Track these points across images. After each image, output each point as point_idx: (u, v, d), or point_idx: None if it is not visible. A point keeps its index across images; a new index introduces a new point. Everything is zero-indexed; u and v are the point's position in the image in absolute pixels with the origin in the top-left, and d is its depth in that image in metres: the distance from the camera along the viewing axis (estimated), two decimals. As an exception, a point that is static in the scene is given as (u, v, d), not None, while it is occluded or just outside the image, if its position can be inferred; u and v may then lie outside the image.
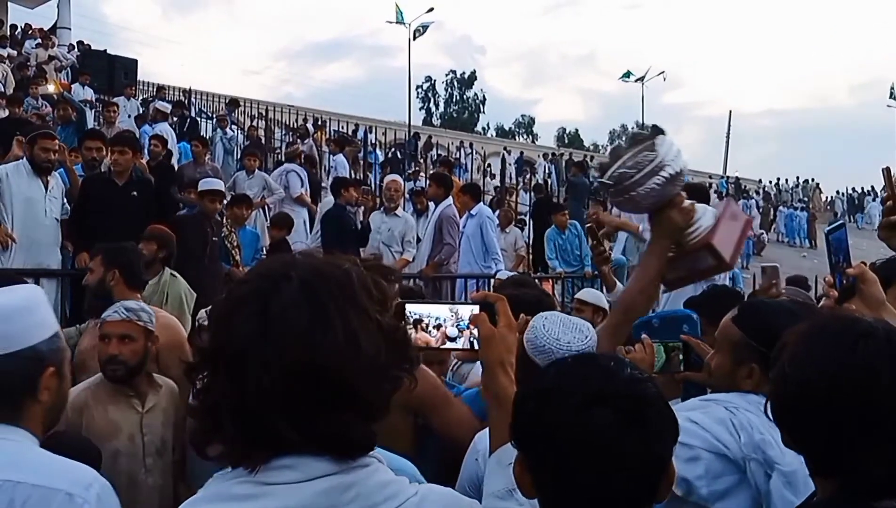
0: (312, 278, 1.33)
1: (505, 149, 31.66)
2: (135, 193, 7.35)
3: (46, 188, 7.10)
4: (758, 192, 39.41)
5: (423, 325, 1.75)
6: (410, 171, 18.79)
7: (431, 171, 15.24)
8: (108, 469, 3.31)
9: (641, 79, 48.75)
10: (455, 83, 79.90)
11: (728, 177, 40.72)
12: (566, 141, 75.63)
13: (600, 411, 1.42)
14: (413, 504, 1.35)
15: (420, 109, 73.75)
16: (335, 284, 1.33)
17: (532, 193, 16.89)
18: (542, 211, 13.84)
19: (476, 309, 1.76)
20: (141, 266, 4.97)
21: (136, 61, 19.82)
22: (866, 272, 2.22)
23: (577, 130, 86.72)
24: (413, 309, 1.76)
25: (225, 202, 8.70)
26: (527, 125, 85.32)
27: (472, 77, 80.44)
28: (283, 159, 14.63)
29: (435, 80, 78.66)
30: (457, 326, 1.76)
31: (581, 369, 1.53)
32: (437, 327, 1.76)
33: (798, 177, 40.96)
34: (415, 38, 40.02)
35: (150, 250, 5.93)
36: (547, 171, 27.29)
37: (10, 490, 1.78)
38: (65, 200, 7.37)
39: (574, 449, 1.42)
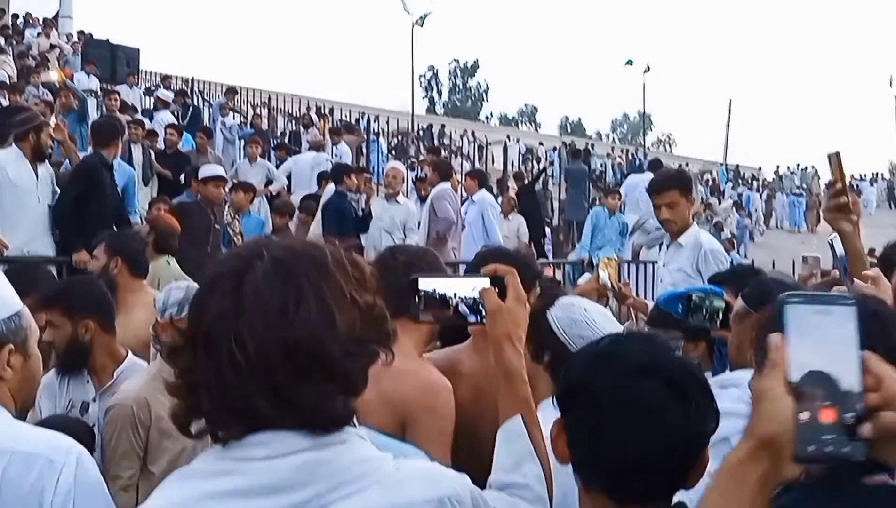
0: (285, 256, 1.34)
1: (508, 137, 31.55)
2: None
3: (37, 175, 6.95)
4: (756, 178, 39.26)
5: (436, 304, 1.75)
6: (414, 160, 18.73)
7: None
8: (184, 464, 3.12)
9: (645, 69, 48.46)
10: (458, 72, 79.76)
11: (728, 165, 40.59)
12: (569, 129, 75.51)
13: (651, 380, 1.47)
14: (391, 479, 1.33)
15: (423, 98, 73.68)
16: (309, 261, 1.34)
17: (514, 181, 16.65)
18: (524, 199, 13.78)
19: (487, 282, 1.75)
20: (146, 254, 4.94)
21: (138, 50, 19.76)
22: (880, 278, 2.25)
23: (579, 119, 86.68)
24: (426, 285, 1.75)
25: (227, 189, 8.73)
26: (530, 114, 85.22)
27: (476, 66, 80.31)
28: (301, 149, 14.66)
29: (438, 70, 78.57)
30: (467, 304, 1.76)
31: (635, 340, 1.59)
32: (449, 306, 1.76)
33: (798, 165, 40.78)
34: (421, 25, 39.86)
35: (143, 234, 5.97)
36: (549, 159, 27.19)
37: None
38: (55, 186, 7.21)
39: (620, 414, 1.45)
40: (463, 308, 1.76)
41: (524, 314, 1.77)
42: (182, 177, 10.28)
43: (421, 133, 28.58)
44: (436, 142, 26.54)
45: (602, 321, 2.52)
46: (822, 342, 1.10)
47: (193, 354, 1.32)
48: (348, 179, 9.73)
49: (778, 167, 41.31)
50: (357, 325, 1.33)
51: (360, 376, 1.35)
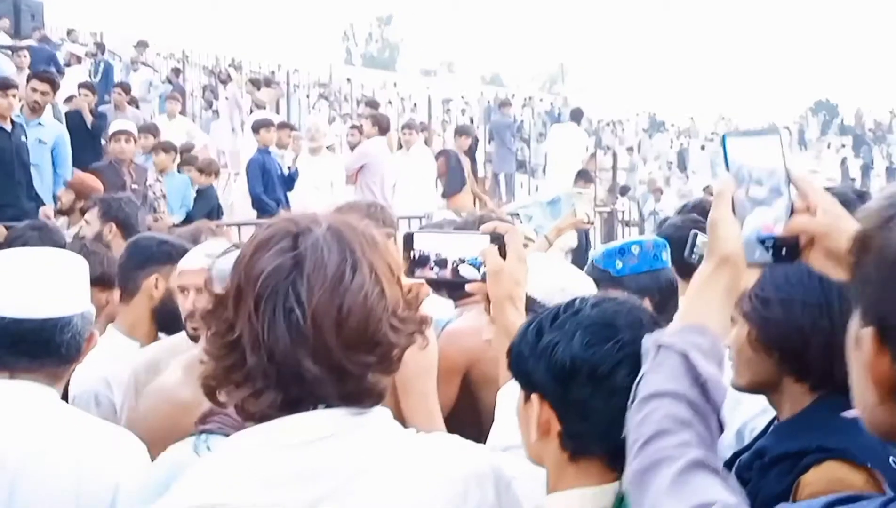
0: (341, 225, 1.34)
1: (428, 88, 31.36)
2: (24, 138, 7.03)
3: None
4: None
5: (437, 264, 1.73)
6: (346, 113, 18.49)
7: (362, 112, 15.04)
8: None
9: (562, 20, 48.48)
10: (376, 22, 78.82)
11: (649, 114, 41.10)
12: (488, 80, 75.48)
13: None
14: (416, 460, 1.34)
15: (343, 45, 72.66)
16: (361, 233, 1.35)
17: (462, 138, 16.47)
18: (472, 153, 13.73)
19: (486, 240, 1.72)
20: (139, 219, 4.71)
21: (42, 3, 18.96)
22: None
23: (498, 72, 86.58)
24: (421, 242, 1.74)
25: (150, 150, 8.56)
26: (449, 64, 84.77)
27: (392, 16, 79.43)
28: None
29: (354, 20, 77.48)
30: (473, 265, 1.73)
31: (612, 306, 1.48)
32: (445, 264, 1.73)
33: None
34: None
35: (69, 200, 5.88)
36: (470, 113, 27.14)
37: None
38: None
39: (620, 386, 1.36)
40: (467, 268, 1.72)
41: (525, 273, 1.75)
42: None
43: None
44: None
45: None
46: (757, 165, 1.31)
47: (236, 312, 1.29)
48: (258, 134, 9.54)
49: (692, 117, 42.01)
50: (400, 303, 1.35)
51: (399, 354, 1.36)
